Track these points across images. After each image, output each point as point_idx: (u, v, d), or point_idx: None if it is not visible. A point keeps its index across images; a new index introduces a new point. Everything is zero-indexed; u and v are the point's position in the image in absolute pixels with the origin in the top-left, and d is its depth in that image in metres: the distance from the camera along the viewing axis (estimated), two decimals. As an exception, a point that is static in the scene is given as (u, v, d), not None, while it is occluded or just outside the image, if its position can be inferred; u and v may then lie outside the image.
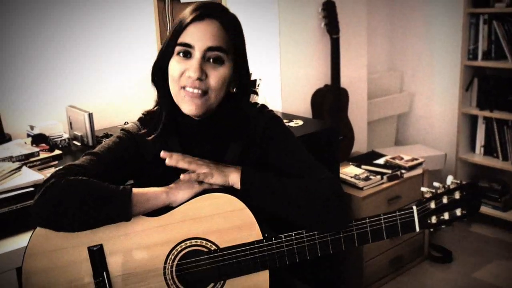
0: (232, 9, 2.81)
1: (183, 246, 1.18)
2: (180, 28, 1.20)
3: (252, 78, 2.64)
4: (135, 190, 1.15)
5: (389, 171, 2.67)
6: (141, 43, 2.53)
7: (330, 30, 2.73)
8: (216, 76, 1.21)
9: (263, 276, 1.22)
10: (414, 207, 1.27)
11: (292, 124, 2.40)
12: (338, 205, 1.21)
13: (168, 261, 1.18)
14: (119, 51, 2.46)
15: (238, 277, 1.21)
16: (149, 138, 1.26)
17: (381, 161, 2.81)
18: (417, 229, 1.27)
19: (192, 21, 1.19)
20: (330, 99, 2.82)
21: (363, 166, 2.75)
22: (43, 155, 1.86)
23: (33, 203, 1.12)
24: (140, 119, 1.33)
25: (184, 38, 1.19)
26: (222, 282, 1.21)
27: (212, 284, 1.21)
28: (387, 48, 3.71)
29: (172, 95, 1.24)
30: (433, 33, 3.47)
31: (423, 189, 1.33)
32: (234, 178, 1.20)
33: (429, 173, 3.24)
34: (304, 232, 1.22)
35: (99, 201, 1.11)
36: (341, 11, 2.80)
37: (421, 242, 2.86)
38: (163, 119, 1.28)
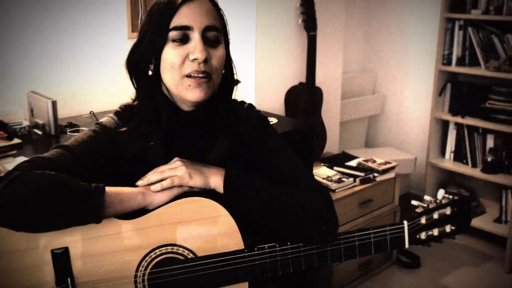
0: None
1: (158, 253, 1.08)
2: (170, 11, 1.08)
3: (227, 72, 2.55)
4: (108, 189, 1.04)
5: (362, 174, 2.63)
6: (112, 30, 2.39)
7: (308, 27, 2.66)
8: (217, 56, 1.12)
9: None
10: (405, 222, 1.21)
11: (267, 121, 2.31)
12: (329, 218, 1.14)
13: (141, 268, 1.08)
14: (88, 37, 2.32)
15: (216, 288, 1.12)
16: (122, 129, 1.15)
17: (353, 163, 2.77)
18: (407, 245, 1.21)
19: (184, 1, 1.09)
20: (304, 98, 2.75)
21: (335, 168, 2.70)
22: (0, 143, 1.72)
23: None
24: (117, 113, 1.20)
25: (178, 21, 1.08)
26: (199, 292, 1.11)
27: (188, 295, 1.11)
28: (362, 48, 3.67)
29: (171, 85, 1.12)
30: (409, 36, 3.46)
31: (414, 202, 1.27)
32: (216, 181, 1.11)
33: (401, 177, 3.23)
34: (289, 243, 1.14)
35: (68, 199, 0.99)
36: (319, 8, 2.73)
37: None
38: (147, 113, 1.16)
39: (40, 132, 2.06)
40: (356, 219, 2.59)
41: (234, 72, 1.24)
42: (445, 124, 3.22)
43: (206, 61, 1.09)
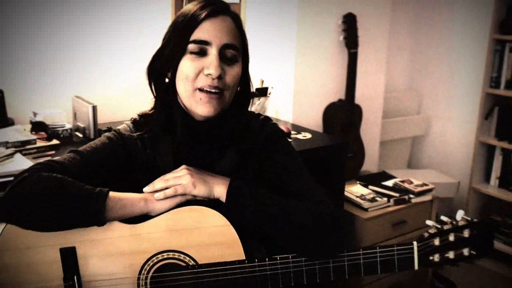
0: (251, 14, 2.76)
1: (160, 258, 1.12)
2: (193, 24, 1.13)
3: (264, 85, 2.58)
4: (112, 194, 1.09)
5: (397, 195, 2.58)
6: (153, 38, 2.48)
7: (349, 43, 2.66)
8: (231, 74, 1.16)
9: (242, 299, 1.15)
10: (415, 243, 1.18)
11: (299, 136, 2.32)
12: (332, 232, 1.14)
13: (143, 272, 1.12)
14: (130, 45, 2.42)
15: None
16: (134, 134, 1.21)
17: (389, 183, 2.72)
18: (416, 267, 1.18)
19: (206, 17, 1.13)
20: (343, 115, 2.75)
21: (370, 187, 2.67)
22: (40, 143, 1.83)
23: (1, 197, 1.06)
24: (134, 121, 1.27)
25: (199, 34, 1.13)
26: (198, 299, 1.14)
27: (187, 301, 1.14)
28: (407, 67, 3.61)
29: (183, 96, 1.17)
30: (456, 56, 3.37)
31: (429, 222, 1.22)
32: (219, 191, 1.14)
33: (439, 201, 3.14)
34: (290, 257, 1.15)
35: (72, 202, 1.05)
36: (362, 25, 2.73)
37: (424, 270, 2.76)
38: (160, 120, 1.21)
39: (81, 135, 2.16)
40: (389, 239, 2.55)
41: (252, 90, 1.26)
42: (491, 149, 3.11)
43: (220, 77, 1.13)
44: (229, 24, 1.16)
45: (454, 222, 1.20)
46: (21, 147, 1.75)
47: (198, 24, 1.13)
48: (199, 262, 1.13)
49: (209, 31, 1.13)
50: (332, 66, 2.73)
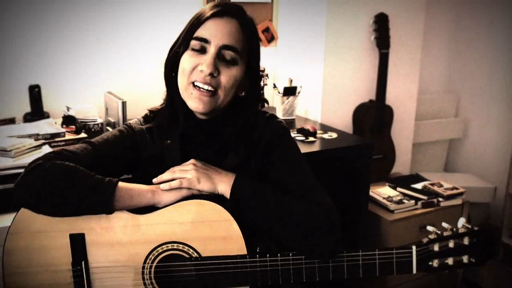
0: (282, 13, 2.77)
1: (164, 248, 1.16)
2: (198, 22, 1.18)
3: (293, 84, 2.60)
4: (121, 184, 1.14)
5: (425, 197, 2.54)
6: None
7: (380, 44, 2.63)
8: (228, 74, 1.19)
9: (243, 293, 1.18)
10: (414, 248, 1.19)
11: (325, 136, 2.32)
12: (329, 233, 1.15)
13: (148, 261, 1.17)
14: (161, 42, 2.48)
15: (216, 289, 1.17)
16: (143, 126, 1.26)
17: (419, 185, 2.68)
18: (414, 271, 1.19)
19: (211, 16, 1.18)
20: (373, 115, 2.72)
21: (398, 189, 2.64)
22: (68, 136, 1.91)
23: (15, 182, 1.12)
24: (144, 116, 1.32)
25: (201, 32, 1.18)
26: (200, 291, 1.18)
27: (189, 292, 1.18)
28: (445, 69, 3.54)
29: (181, 90, 1.22)
30: (497, 58, 3.27)
31: (429, 228, 1.25)
32: (224, 187, 1.17)
33: (474, 206, 3.07)
34: (290, 254, 1.17)
35: (82, 189, 1.10)
36: (394, 25, 2.70)
37: (453, 275, 2.70)
38: (169, 115, 1.26)
39: (110, 129, 2.24)
40: (415, 243, 2.50)
41: (262, 93, 1.28)
42: (529, 154, 3.01)
43: (212, 75, 1.16)
44: (233, 26, 1.18)
45: (454, 229, 1.21)
46: (51, 139, 1.84)
47: (202, 22, 1.17)
48: (202, 255, 1.16)
49: (210, 30, 1.17)
50: (362, 66, 2.71)
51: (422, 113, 3.30)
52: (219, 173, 1.20)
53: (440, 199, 2.56)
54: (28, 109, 2.17)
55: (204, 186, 1.16)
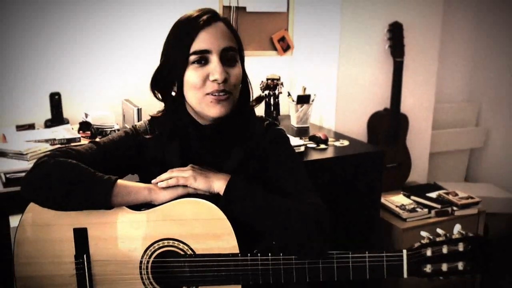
0: (296, 22, 2.81)
1: (161, 245, 1.21)
2: (190, 37, 1.21)
3: (307, 92, 2.63)
4: (119, 181, 1.20)
5: (439, 206, 2.53)
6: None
7: (394, 52, 2.65)
8: (234, 74, 1.23)
9: (235, 291, 1.21)
10: (405, 251, 1.19)
11: (337, 143, 2.35)
12: (316, 233, 1.17)
13: (145, 256, 1.22)
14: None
15: (210, 286, 1.21)
16: (149, 136, 1.32)
17: (433, 194, 2.67)
18: (405, 275, 1.19)
19: (202, 27, 1.21)
20: (387, 124, 2.73)
21: (412, 197, 2.63)
22: (84, 141, 1.99)
23: (22, 178, 1.21)
24: (150, 120, 1.38)
25: (198, 45, 1.20)
26: (194, 287, 1.22)
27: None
28: (465, 77, 3.51)
29: (193, 103, 1.24)
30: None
31: (423, 233, 1.24)
32: (219, 186, 1.21)
33: (491, 216, 3.02)
34: (281, 254, 1.20)
35: (82, 185, 1.17)
36: (409, 33, 2.71)
37: (471, 286, 2.67)
38: (172, 125, 1.31)
39: (127, 136, 2.32)
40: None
41: (250, 88, 1.33)
42: (550, 164, 2.96)
43: (225, 80, 1.21)
44: (223, 28, 1.23)
45: (447, 235, 1.20)
46: (67, 144, 1.92)
47: (195, 36, 1.20)
48: (196, 252, 1.20)
49: (206, 39, 1.20)
50: (377, 74, 2.73)
51: (441, 122, 3.28)
52: (215, 173, 1.24)
53: (455, 208, 2.54)
54: (48, 115, 2.27)
55: (200, 184, 1.21)
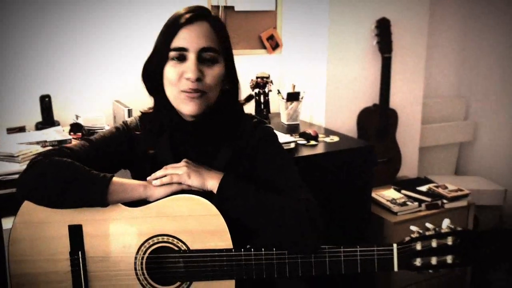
0: (285, 20, 2.83)
1: (155, 241, 1.22)
2: (172, 33, 1.23)
3: (296, 90, 2.65)
4: (114, 179, 1.21)
5: (429, 199, 2.55)
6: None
7: (382, 48, 2.68)
8: (211, 75, 1.24)
9: (229, 286, 1.22)
10: (395, 245, 1.21)
11: (327, 139, 2.37)
12: (310, 230, 1.19)
13: (140, 252, 1.23)
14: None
15: (204, 281, 1.23)
16: (138, 133, 1.33)
17: (423, 188, 2.69)
18: (396, 268, 1.21)
19: (183, 25, 1.23)
20: (377, 119, 2.76)
21: (403, 191, 2.66)
22: (75, 142, 1.99)
23: (18, 178, 1.22)
24: (140, 116, 1.39)
25: (177, 42, 1.22)
26: (188, 283, 1.23)
27: (178, 283, 1.23)
28: (454, 72, 3.54)
29: (170, 98, 1.27)
30: (506, 61, 3.27)
31: (412, 228, 1.26)
32: (212, 183, 1.22)
33: (481, 208, 3.06)
34: (274, 249, 1.21)
35: (78, 183, 1.18)
36: (397, 29, 2.74)
37: (462, 279, 2.69)
38: (160, 121, 1.32)
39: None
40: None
41: (239, 87, 1.34)
42: (538, 156, 3.00)
43: (199, 79, 1.22)
44: (206, 28, 1.24)
45: (437, 229, 1.22)
46: (57, 145, 1.92)
47: (176, 33, 1.22)
48: (190, 248, 1.22)
49: (185, 38, 1.22)
50: (365, 71, 2.75)
51: (430, 117, 3.31)
52: (209, 170, 1.26)
53: (444, 201, 2.57)
54: (39, 118, 2.27)
55: (194, 181, 1.22)
